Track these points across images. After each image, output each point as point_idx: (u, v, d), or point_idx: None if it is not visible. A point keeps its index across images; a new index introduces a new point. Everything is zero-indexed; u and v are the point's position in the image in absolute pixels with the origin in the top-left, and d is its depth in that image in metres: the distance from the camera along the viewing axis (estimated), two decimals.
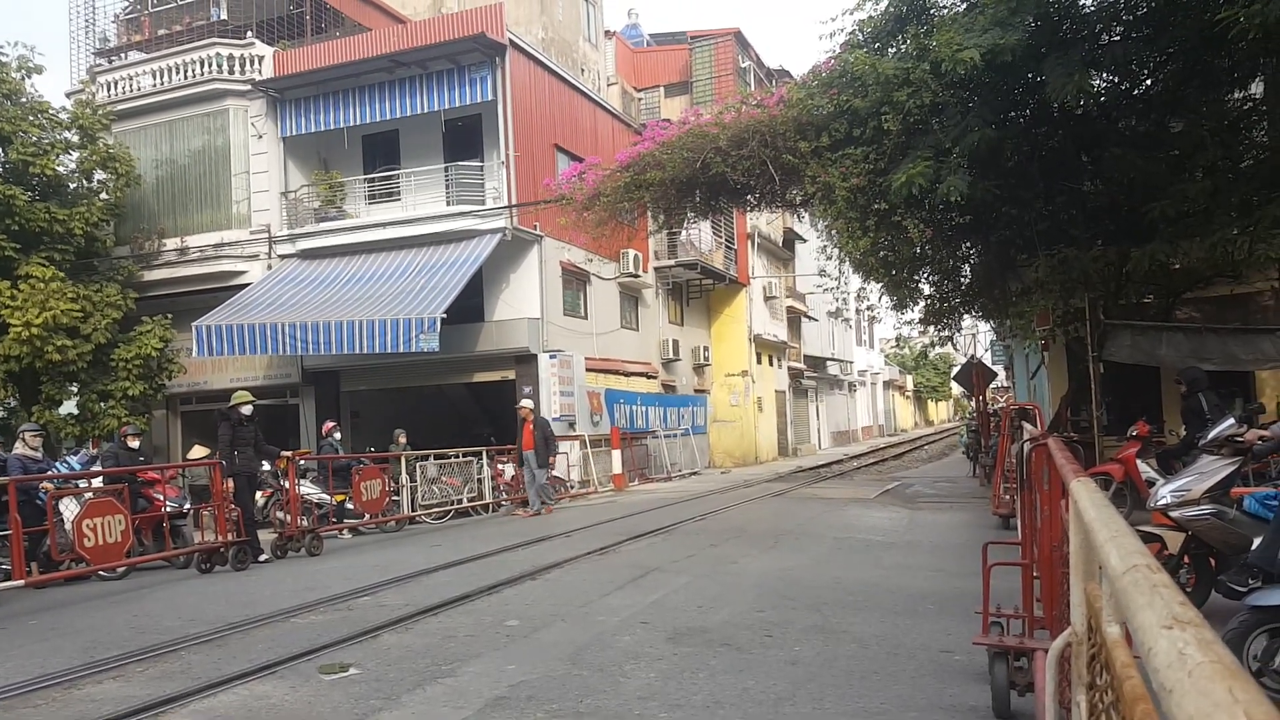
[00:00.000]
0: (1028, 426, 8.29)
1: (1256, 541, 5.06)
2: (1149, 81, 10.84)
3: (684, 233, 22.92)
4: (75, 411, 16.61)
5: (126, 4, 21.52)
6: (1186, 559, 5.90)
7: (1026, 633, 4.20)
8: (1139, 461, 9.87)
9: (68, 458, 11.95)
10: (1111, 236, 11.19)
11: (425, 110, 18.11)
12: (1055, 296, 11.65)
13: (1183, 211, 9.63)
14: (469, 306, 17.69)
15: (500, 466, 15.90)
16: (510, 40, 17.87)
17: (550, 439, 14.20)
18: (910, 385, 65.82)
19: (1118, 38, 9.99)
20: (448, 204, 18.34)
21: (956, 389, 36.46)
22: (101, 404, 16.33)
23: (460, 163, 18.59)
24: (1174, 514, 5.74)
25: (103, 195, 17.79)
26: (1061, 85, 8.81)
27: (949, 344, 20.73)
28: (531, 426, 13.99)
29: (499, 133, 17.97)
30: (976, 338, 34.74)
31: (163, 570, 10.01)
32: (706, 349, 27.70)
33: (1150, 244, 9.99)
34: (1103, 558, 1.19)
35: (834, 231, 14.04)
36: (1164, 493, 5.88)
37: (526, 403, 14.47)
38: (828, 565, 8.52)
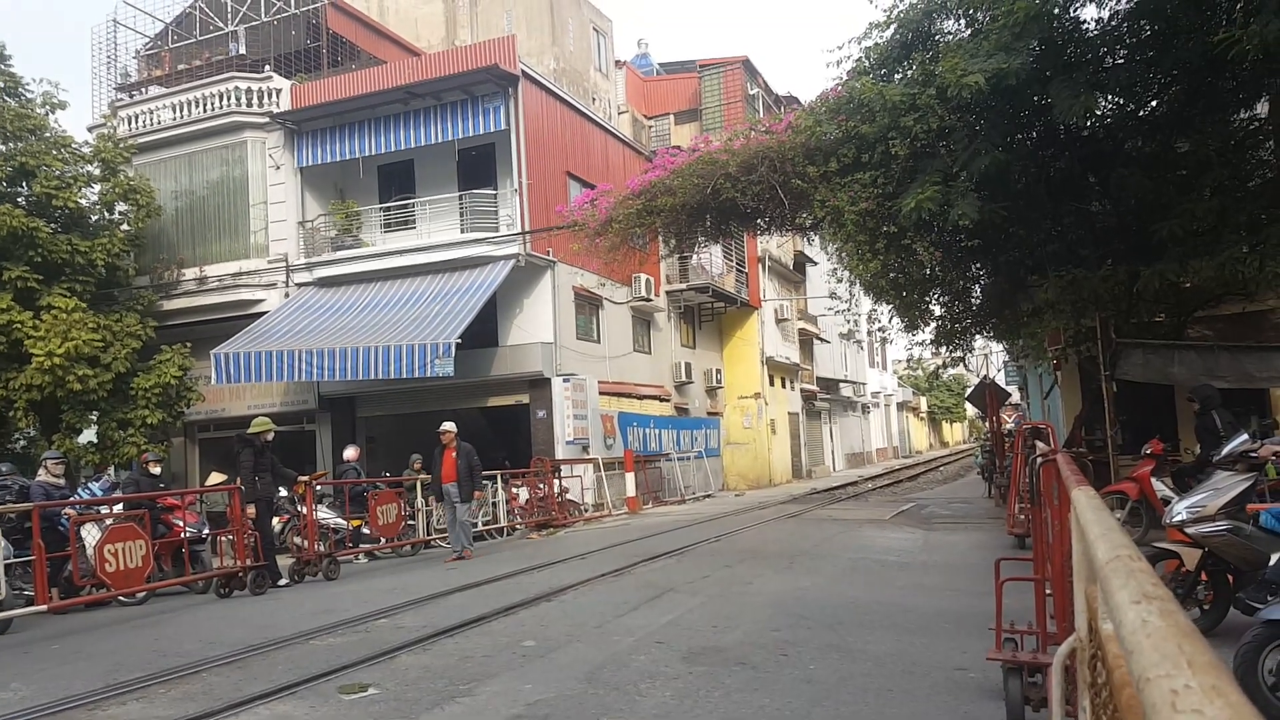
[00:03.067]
0: (1040, 444, 8.30)
1: (1275, 557, 5.07)
2: (1154, 103, 10.94)
3: (695, 257, 23.07)
4: (95, 440, 16.80)
5: (147, 40, 22.04)
6: (1204, 575, 5.89)
7: (1040, 648, 4.23)
8: (1154, 480, 9.86)
9: (90, 484, 12.10)
10: (1121, 256, 11.24)
11: (439, 140, 18.41)
12: (1066, 316, 11.70)
13: (1191, 230, 9.69)
14: (483, 332, 17.85)
15: (515, 490, 15.97)
16: (522, 71, 18.18)
17: (475, 469, 12.11)
18: (924, 407, 65.54)
19: (1121, 60, 10.12)
20: (462, 231, 18.58)
21: (971, 410, 36.36)
22: (121, 432, 16.50)
23: (474, 191, 18.85)
24: (1190, 530, 5.74)
25: (124, 226, 18.10)
26: (1068, 106, 8.91)
27: (961, 365, 20.73)
28: (454, 454, 12.06)
29: (512, 161, 18.23)
30: (989, 358, 34.67)
31: (182, 595, 10.12)
32: (719, 372, 27.76)
33: (1159, 263, 10.04)
34: (1092, 553, 1.26)
35: (844, 254, 14.16)
36: (1179, 509, 5.89)
37: (449, 425, 12.38)
38: (843, 585, 8.52)
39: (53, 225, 16.46)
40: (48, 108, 16.87)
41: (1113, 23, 10.09)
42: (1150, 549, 6.17)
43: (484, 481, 12.41)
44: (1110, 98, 10.52)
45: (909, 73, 10.86)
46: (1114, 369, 10.97)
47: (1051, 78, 9.31)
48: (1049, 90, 9.32)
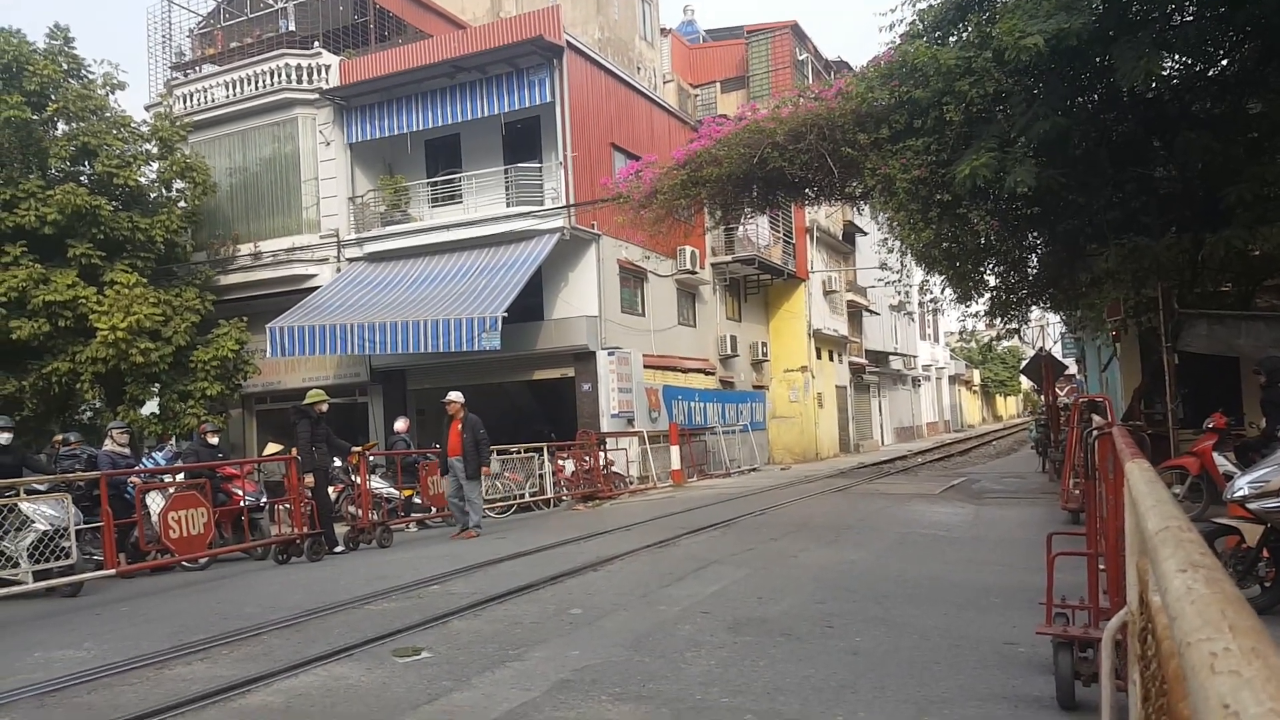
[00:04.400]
0: (1095, 417, 8.10)
1: None
2: (1224, 62, 10.48)
3: (741, 228, 22.85)
4: (157, 411, 17.38)
5: (200, 19, 22.43)
6: (1266, 552, 5.73)
7: (1091, 623, 4.16)
8: (1216, 454, 9.56)
9: (154, 454, 12.52)
10: (1185, 223, 10.85)
11: (485, 114, 18.45)
12: (1127, 287, 11.37)
13: (1261, 196, 9.30)
14: (529, 305, 17.97)
15: (560, 462, 16.14)
16: (567, 42, 18.09)
17: (482, 443, 11.40)
18: (977, 380, 64.36)
19: (1190, 18, 9.69)
20: (508, 205, 18.66)
21: (1026, 383, 35.64)
22: (181, 404, 17.04)
23: (519, 164, 18.89)
24: (1251, 506, 5.58)
25: (181, 204, 18.60)
26: (1131, 68, 8.58)
27: (1016, 337, 20.28)
28: (460, 426, 11.43)
29: (557, 133, 18.20)
30: (1046, 330, 33.87)
31: (241, 561, 10.47)
32: (765, 345, 27.58)
33: (1226, 230, 9.67)
34: (1143, 524, 1.23)
35: (895, 224, 13.91)
36: (1241, 484, 5.73)
37: (455, 396, 11.72)
38: (890, 559, 8.46)
39: (114, 203, 16.98)
40: (108, 88, 17.30)
41: None
42: (1210, 524, 6.02)
43: (490, 456, 11.83)
44: (1177, 57, 10.09)
45: (964, 35, 10.56)
46: (1176, 340, 10.63)
47: (1115, 37, 8.95)
48: (1112, 51, 8.97)
